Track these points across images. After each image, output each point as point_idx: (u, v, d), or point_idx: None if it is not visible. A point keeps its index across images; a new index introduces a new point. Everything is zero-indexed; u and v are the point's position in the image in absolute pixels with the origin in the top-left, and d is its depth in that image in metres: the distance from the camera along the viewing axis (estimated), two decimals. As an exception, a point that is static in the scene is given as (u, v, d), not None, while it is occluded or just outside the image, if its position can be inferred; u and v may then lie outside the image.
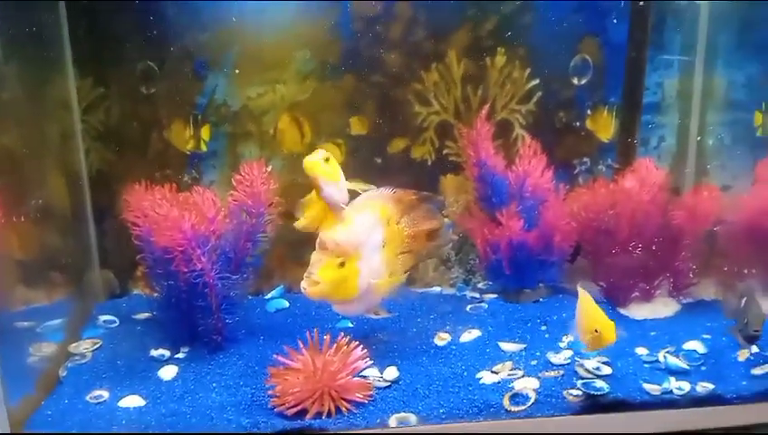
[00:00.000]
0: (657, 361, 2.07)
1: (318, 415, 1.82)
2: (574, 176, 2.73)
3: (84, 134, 2.47)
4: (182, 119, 2.53)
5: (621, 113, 2.71)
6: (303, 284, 1.87)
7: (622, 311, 2.45)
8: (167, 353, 2.15)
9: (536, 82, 2.64)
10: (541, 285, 2.53)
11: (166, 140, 2.54)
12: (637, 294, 2.46)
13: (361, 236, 1.94)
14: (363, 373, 1.97)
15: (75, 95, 2.43)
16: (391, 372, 2.01)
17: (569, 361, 2.07)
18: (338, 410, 1.84)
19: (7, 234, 1.93)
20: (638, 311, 2.44)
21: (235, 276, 2.14)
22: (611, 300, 2.47)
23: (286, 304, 2.51)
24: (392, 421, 1.84)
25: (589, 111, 2.71)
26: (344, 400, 1.86)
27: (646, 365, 2.06)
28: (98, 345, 2.21)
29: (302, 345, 1.94)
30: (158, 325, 2.27)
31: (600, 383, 1.94)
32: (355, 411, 1.85)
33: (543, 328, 2.29)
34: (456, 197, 2.69)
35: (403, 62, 2.59)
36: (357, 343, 1.98)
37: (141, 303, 2.47)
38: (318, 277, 1.86)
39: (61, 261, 2.33)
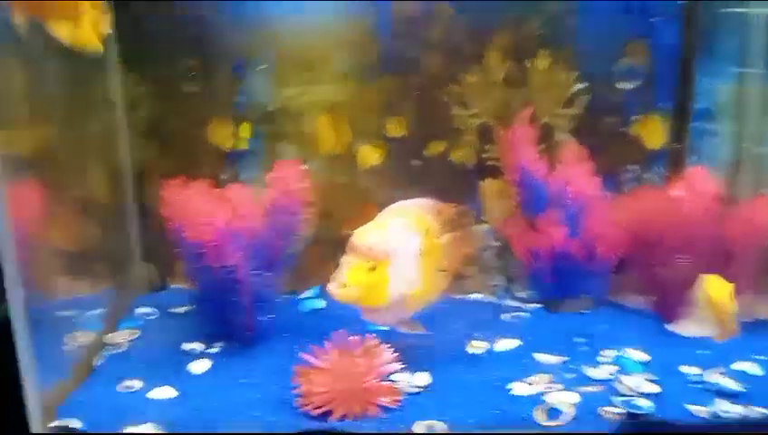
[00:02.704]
0: (705, 381, 1.96)
1: (343, 417, 1.80)
2: (621, 183, 2.62)
3: (129, 130, 2.54)
4: (222, 117, 2.56)
5: (671, 120, 2.59)
6: (330, 286, 1.82)
7: (669, 327, 2.32)
8: (200, 347, 2.18)
9: (582, 85, 2.55)
10: (584, 295, 2.44)
11: (206, 138, 2.57)
12: (686, 309, 2.33)
13: (394, 242, 1.87)
14: (393, 377, 1.93)
15: (120, 92, 2.48)
16: (423, 378, 1.97)
17: (612, 376, 1.98)
18: (364, 413, 1.81)
19: (53, 226, 1.98)
20: (686, 327, 2.32)
21: (268, 274, 2.14)
22: (659, 315, 2.36)
23: (323, 304, 2.50)
24: (419, 428, 1.78)
25: (637, 117, 2.60)
26: (371, 403, 1.82)
27: (692, 385, 1.95)
28: (135, 336, 2.25)
29: (329, 346, 1.91)
30: (194, 320, 2.30)
31: (641, 402, 1.84)
32: (382, 416, 1.81)
33: (584, 341, 2.21)
34: (496, 202, 2.63)
35: (443, 64, 2.54)
36: (388, 345, 1.95)
37: (181, 296, 2.49)
38: (346, 280, 1.81)
39: (104, 253, 2.38)
